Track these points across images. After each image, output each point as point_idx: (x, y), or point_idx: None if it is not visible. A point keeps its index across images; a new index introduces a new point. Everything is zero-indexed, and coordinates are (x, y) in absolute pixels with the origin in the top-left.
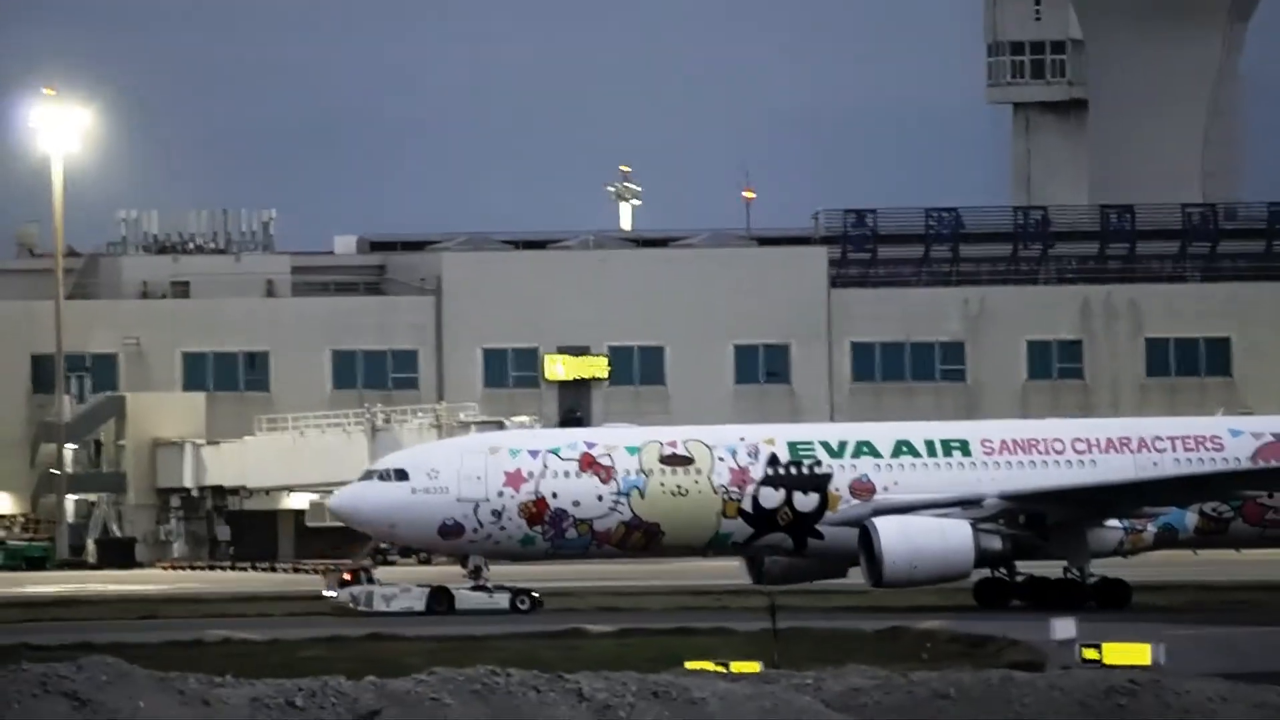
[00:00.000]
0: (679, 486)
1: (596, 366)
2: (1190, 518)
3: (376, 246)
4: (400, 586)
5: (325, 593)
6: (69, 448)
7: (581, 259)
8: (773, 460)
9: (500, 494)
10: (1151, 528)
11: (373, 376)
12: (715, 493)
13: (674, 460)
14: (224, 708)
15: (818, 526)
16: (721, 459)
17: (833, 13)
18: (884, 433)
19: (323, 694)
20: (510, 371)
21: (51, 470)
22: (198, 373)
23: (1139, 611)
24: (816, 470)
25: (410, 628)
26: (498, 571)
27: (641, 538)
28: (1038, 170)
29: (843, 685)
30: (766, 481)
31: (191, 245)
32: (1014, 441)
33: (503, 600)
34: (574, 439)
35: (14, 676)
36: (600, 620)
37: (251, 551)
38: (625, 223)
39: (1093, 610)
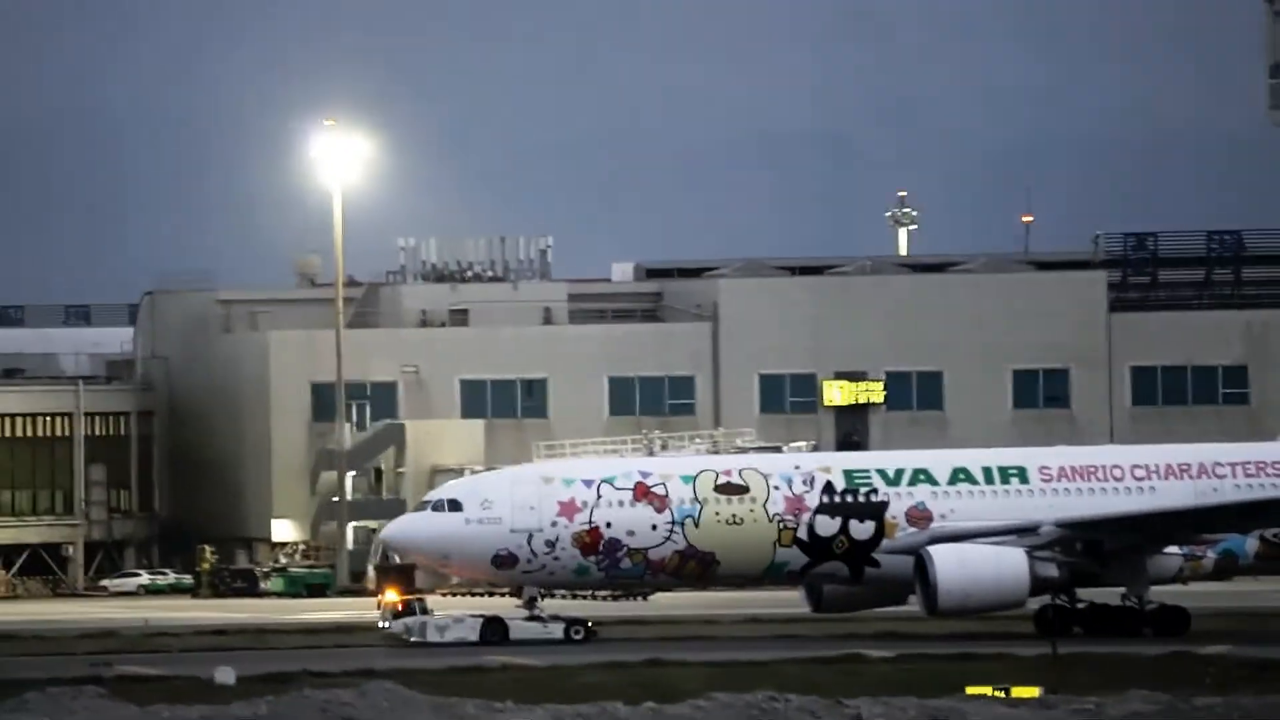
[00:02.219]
0: (734, 515)
1: (873, 391)
2: (1251, 544)
3: (653, 273)
4: (454, 617)
5: (380, 624)
6: (349, 475)
7: (858, 284)
8: (828, 488)
9: (554, 524)
10: (1211, 554)
11: (650, 402)
12: (771, 521)
13: (729, 489)
14: None
15: (874, 554)
16: (777, 487)
17: (1111, 37)
18: (941, 460)
19: (600, 719)
20: (787, 397)
21: (332, 498)
22: (476, 400)
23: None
24: (873, 498)
25: (690, 653)
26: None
27: (696, 567)
28: None
29: (1123, 710)
30: (822, 509)
31: (470, 273)
32: (1072, 468)
33: (557, 630)
34: (629, 468)
35: (296, 702)
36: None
37: None
38: (902, 247)
39: (1150, 637)
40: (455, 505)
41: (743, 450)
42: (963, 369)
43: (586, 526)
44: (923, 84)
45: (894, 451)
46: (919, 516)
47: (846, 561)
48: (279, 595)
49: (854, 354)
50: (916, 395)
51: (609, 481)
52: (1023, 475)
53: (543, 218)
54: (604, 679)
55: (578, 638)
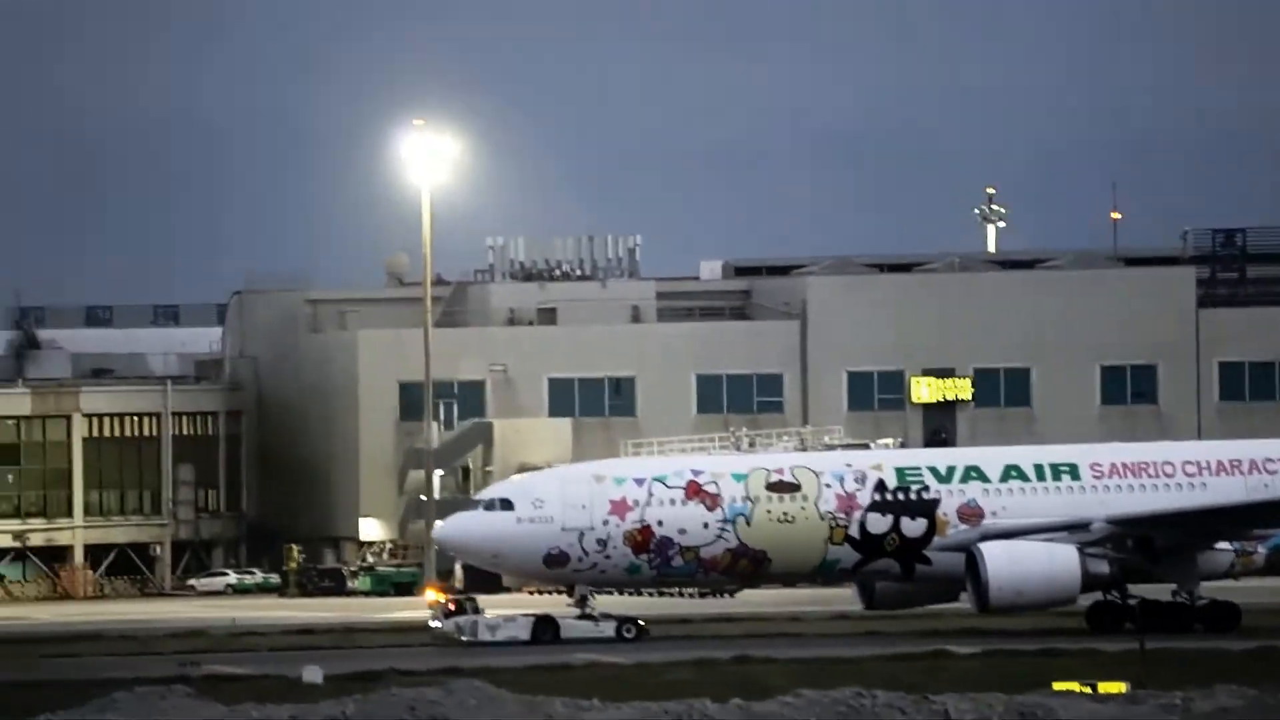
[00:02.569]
0: (785, 513)
1: (961, 389)
2: None
3: (741, 271)
4: (505, 616)
5: (431, 623)
6: (437, 474)
7: (946, 281)
8: (880, 486)
9: (605, 522)
10: (1262, 549)
11: (738, 400)
12: (822, 519)
13: (780, 487)
14: None
15: (926, 552)
16: (828, 485)
17: (1201, 29)
18: (992, 458)
19: (688, 717)
20: (875, 394)
21: (420, 497)
22: (564, 398)
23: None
24: (924, 495)
25: (777, 650)
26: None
27: (748, 565)
28: None
29: (1211, 705)
30: (874, 507)
31: (558, 272)
32: (1123, 465)
33: (608, 629)
34: (680, 466)
35: (383, 701)
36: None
37: None
38: (991, 244)
39: (1201, 633)
40: (507, 504)
41: (830, 447)
42: (1050, 365)
43: (638, 525)
44: (1012, 79)
45: (947, 449)
46: (970, 514)
47: (898, 559)
48: (366, 594)
49: (942, 351)
50: (1004, 392)
51: (660, 480)
52: (1074, 472)
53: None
54: (690, 676)
55: (629, 636)
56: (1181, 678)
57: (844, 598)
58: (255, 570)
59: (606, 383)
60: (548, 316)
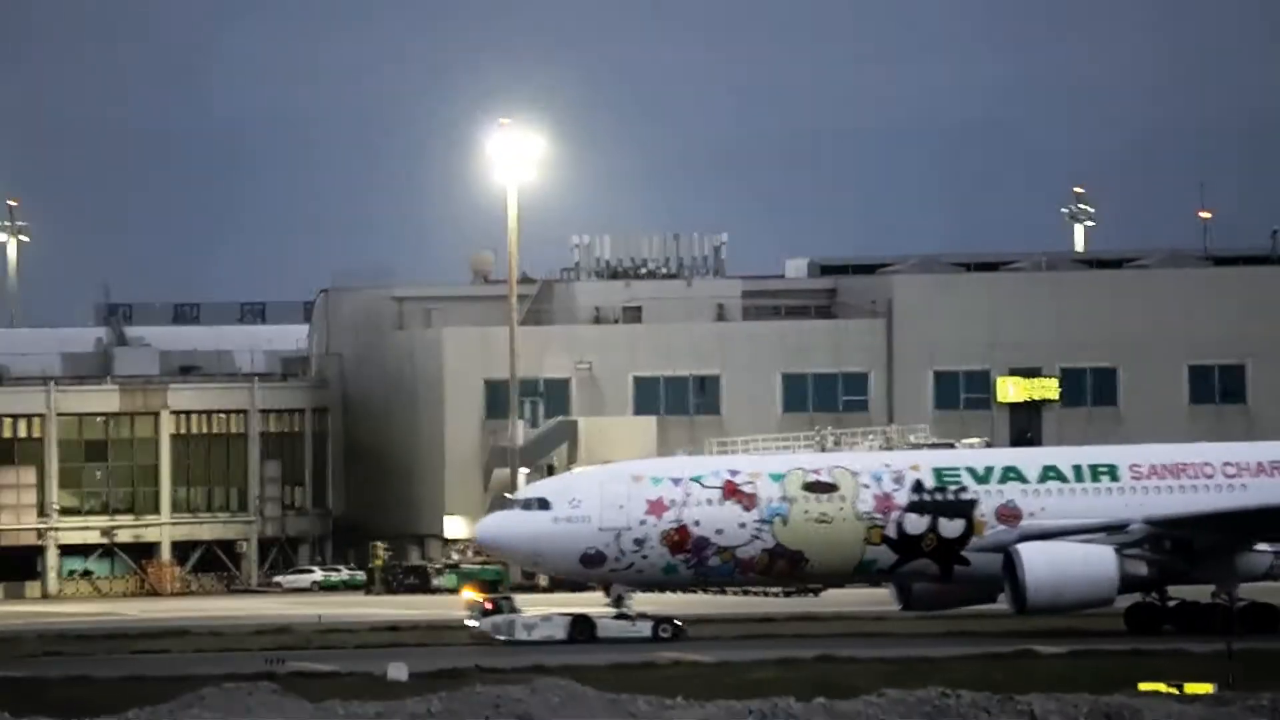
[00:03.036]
0: (823, 514)
1: (1048, 388)
2: None
3: (827, 270)
4: (542, 615)
5: (467, 622)
6: (522, 472)
7: (1033, 280)
8: (918, 486)
9: (643, 522)
10: None
11: (823, 399)
12: (859, 519)
13: (818, 487)
14: None
15: (964, 553)
16: (866, 486)
17: None
18: (1031, 458)
19: (772, 715)
20: (961, 393)
21: (505, 494)
22: (649, 396)
23: None
24: (962, 496)
25: (861, 649)
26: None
27: (786, 565)
28: None
29: None
30: (912, 508)
31: (644, 270)
32: (1163, 466)
33: (645, 629)
34: (718, 466)
35: (468, 698)
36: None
37: None
38: (1079, 244)
39: (1241, 635)
40: (544, 504)
41: (916, 446)
42: (1138, 365)
43: (675, 525)
44: (1100, 78)
45: (985, 450)
46: (1008, 514)
47: (935, 559)
48: (451, 592)
49: (1029, 350)
50: (1091, 392)
51: (698, 480)
52: (1113, 473)
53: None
54: (774, 675)
55: (665, 636)
56: (1270, 679)
57: (881, 598)
58: (341, 567)
59: (691, 381)
60: (633, 315)
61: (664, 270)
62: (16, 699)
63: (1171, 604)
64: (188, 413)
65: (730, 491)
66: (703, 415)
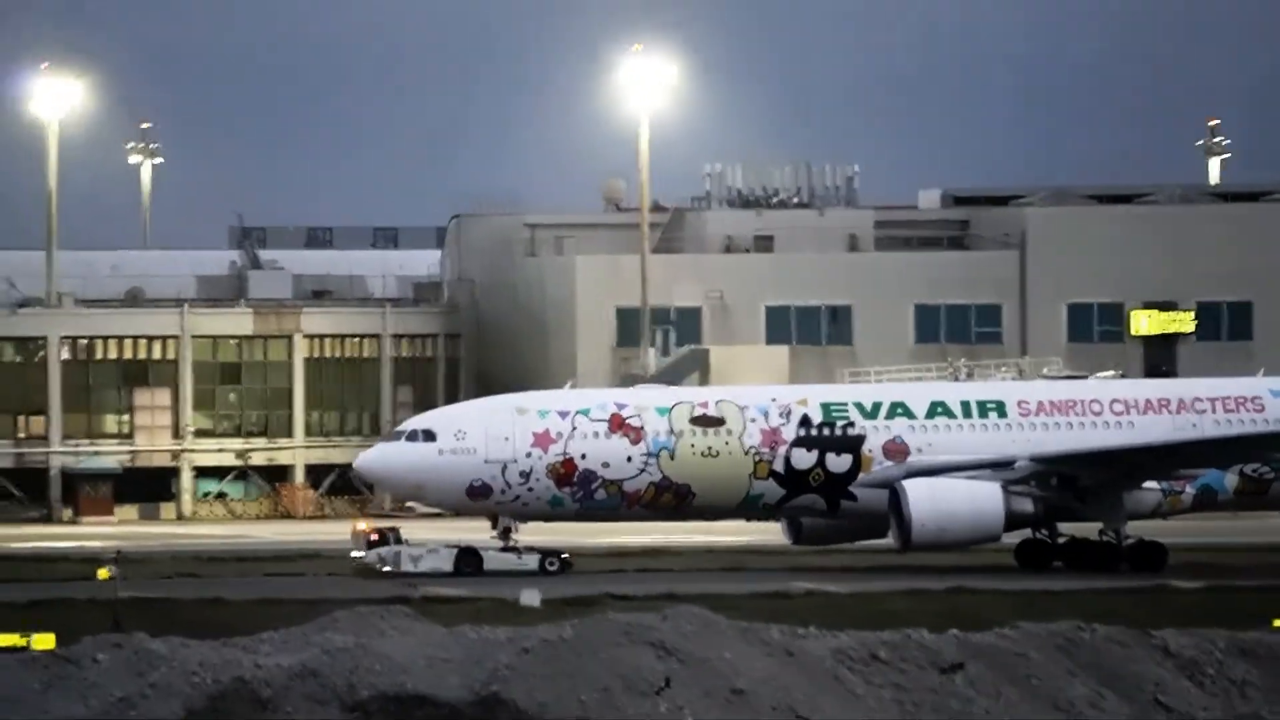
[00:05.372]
0: (709, 448)
1: (1183, 322)
2: (1230, 479)
3: (960, 201)
4: (428, 547)
5: (353, 554)
6: None
7: (1168, 213)
8: (805, 421)
9: (529, 455)
10: (1190, 490)
11: (955, 330)
12: (746, 454)
13: (704, 421)
14: (807, 658)
15: (851, 488)
16: (753, 420)
17: None
18: (919, 394)
19: (905, 646)
20: (1095, 326)
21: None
22: (780, 326)
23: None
24: (850, 431)
25: (981, 581)
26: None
27: (672, 499)
28: None
29: None
30: (799, 443)
31: (775, 199)
32: (1051, 403)
33: (532, 562)
34: (604, 400)
35: (600, 625)
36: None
37: None
38: (1214, 177)
39: (1127, 572)
40: (429, 435)
41: (1049, 379)
42: (1273, 298)
43: (561, 458)
44: (1238, 9)
45: (872, 385)
46: (896, 450)
47: (823, 494)
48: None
49: (1163, 284)
50: (1227, 325)
51: (584, 413)
52: (1001, 409)
53: (849, 145)
54: (906, 605)
55: (553, 569)
56: None
57: (774, 530)
58: None
59: (823, 311)
60: (765, 244)
61: (796, 200)
62: (152, 619)
63: (1061, 540)
64: (321, 336)
65: (617, 425)
66: (835, 345)
